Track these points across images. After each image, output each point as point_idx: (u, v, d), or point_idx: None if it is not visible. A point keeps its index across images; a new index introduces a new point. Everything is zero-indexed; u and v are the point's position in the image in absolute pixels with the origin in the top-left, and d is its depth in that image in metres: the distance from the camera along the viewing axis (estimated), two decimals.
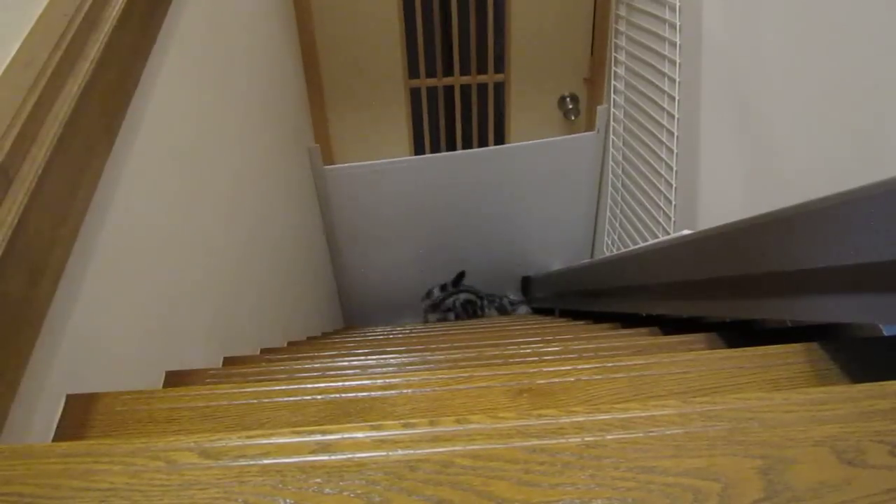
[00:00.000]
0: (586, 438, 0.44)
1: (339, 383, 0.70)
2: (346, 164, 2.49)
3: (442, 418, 0.46)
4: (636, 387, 0.69)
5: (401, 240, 2.78)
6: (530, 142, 2.53)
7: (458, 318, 2.85)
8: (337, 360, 1.05)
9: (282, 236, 1.81)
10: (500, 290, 3.01)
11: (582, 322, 1.72)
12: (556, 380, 0.69)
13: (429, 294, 2.93)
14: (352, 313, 2.94)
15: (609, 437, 0.45)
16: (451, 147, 2.63)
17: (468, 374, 0.70)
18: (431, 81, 2.49)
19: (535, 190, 2.68)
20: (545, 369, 0.71)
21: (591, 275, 1.85)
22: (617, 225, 2.25)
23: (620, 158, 2.20)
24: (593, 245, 2.81)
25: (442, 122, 2.58)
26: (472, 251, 2.86)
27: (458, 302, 2.86)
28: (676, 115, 1.62)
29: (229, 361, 1.11)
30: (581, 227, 2.80)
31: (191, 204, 1.06)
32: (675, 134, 1.63)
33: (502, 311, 2.98)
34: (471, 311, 2.89)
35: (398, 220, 2.71)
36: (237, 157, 1.38)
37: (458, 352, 1.01)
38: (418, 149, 2.62)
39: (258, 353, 1.31)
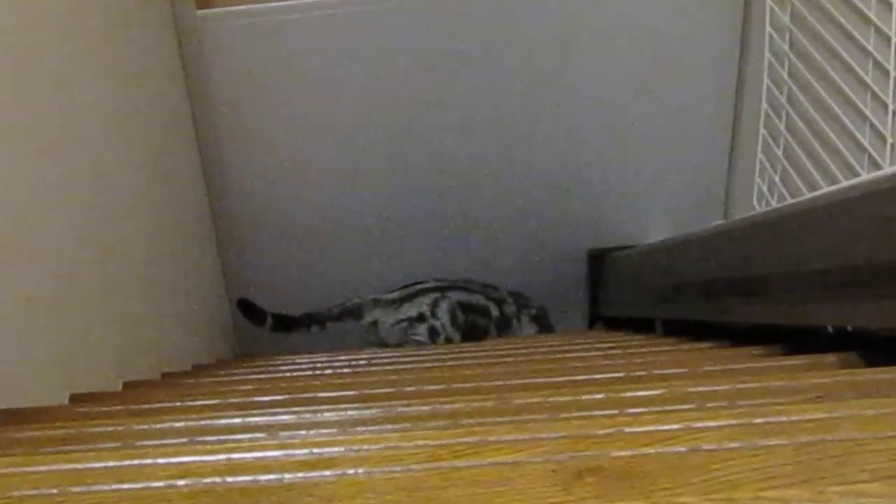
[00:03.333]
0: None
1: (223, 456, 0.60)
2: (240, 7, 2.10)
3: None
4: (810, 462, 0.55)
5: (347, 179, 2.27)
6: None
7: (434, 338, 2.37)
8: (220, 413, 0.95)
9: (107, 174, 1.53)
10: (543, 287, 2.48)
11: (708, 344, 1.50)
12: (651, 450, 0.58)
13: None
14: (253, 328, 2.43)
15: None
16: None
17: (477, 438, 0.61)
18: None
19: (613, 81, 2.19)
20: (629, 430, 0.62)
21: (728, 250, 1.58)
22: (779, 152, 1.91)
23: (788, 21, 1.77)
24: (727, 193, 2.32)
25: None
26: (488, 207, 2.32)
27: (440, 309, 2.31)
28: None
29: (8, 417, 0.98)
30: (708, 155, 2.29)
31: None
32: None
33: (543, 325, 2.51)
34: (472, 330, 2.35)
35: (340, 139, 2.21)
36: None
37: (460, 397, 0.89)
38: None
39: (66, 402, 1.17)
